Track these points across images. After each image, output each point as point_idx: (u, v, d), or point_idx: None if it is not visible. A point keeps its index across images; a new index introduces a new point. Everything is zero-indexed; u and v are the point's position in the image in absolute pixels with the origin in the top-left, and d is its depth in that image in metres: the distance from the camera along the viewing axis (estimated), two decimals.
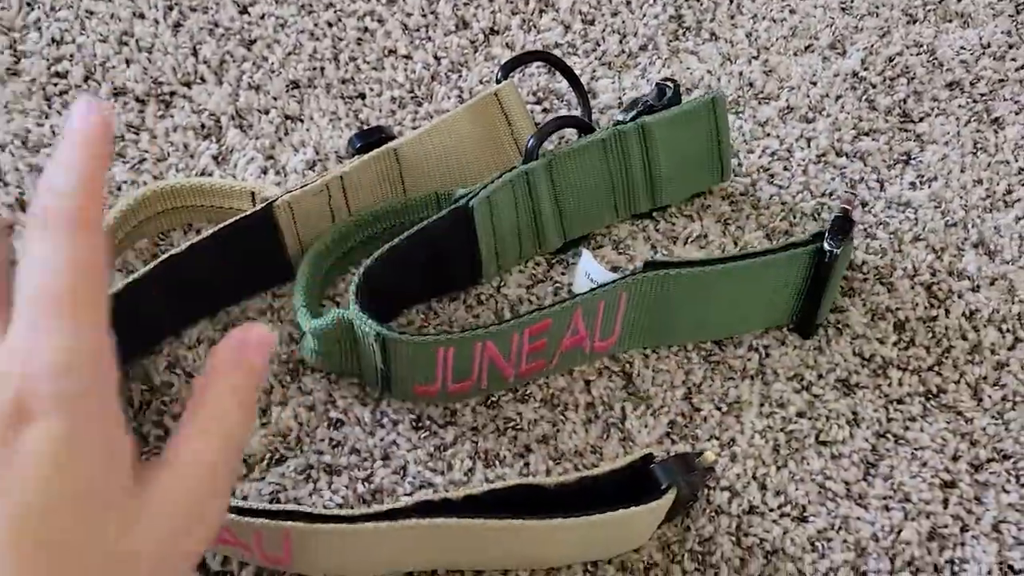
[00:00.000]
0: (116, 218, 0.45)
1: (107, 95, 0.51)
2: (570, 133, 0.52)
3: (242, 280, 0.46)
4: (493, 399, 0.46)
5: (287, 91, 0.53)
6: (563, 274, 0.49)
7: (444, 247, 0.46)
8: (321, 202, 0.46)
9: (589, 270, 0.46)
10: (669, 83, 0.50)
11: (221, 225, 0.44)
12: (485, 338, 0.42)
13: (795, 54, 0.58)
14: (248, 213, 0.44)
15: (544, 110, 0.54)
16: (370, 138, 0.48)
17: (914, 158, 0.55)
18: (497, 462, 0.44)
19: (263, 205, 0.44)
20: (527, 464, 0.45)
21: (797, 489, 0.45)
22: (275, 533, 0.37)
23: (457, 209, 0.45)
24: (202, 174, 0.50)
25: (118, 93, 0.52)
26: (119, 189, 0.49)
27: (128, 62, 0.53)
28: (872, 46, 0.58)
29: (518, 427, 0.45)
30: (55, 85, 0.51)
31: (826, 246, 0.45)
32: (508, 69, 0.51)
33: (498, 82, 0.50)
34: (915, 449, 0.46)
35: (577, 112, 0.53)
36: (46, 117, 0.50)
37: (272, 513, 0.37)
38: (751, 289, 0.46)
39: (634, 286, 0.44)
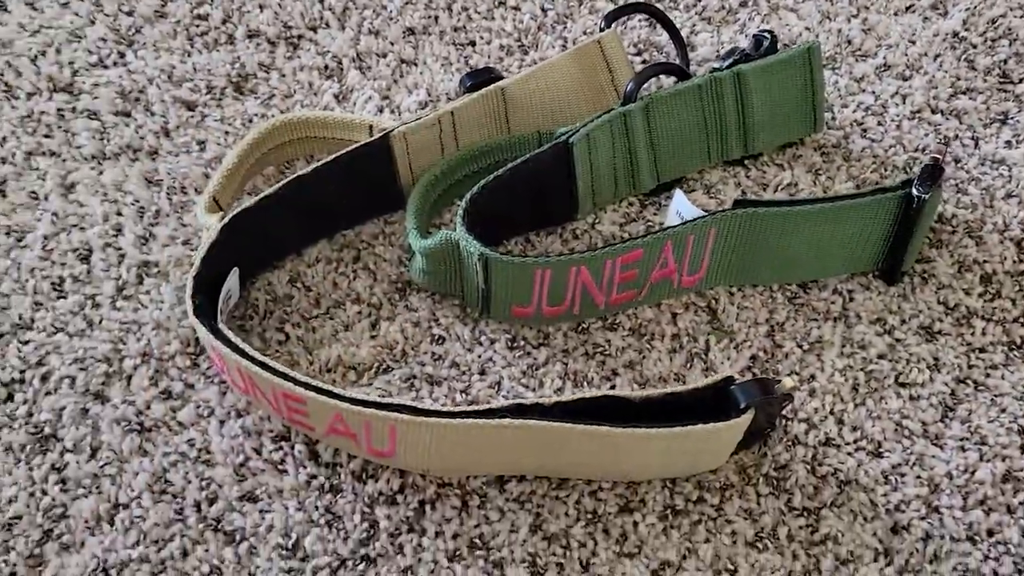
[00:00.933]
0: (249, 144, 0.50)
1: (242, 36, 0.56)
2: (668, 82, 0.54)
3: (359, 204, 0.50)
4: (584, 325, 0.49)
5: (403, 37, 0.57)
6: (655, 214, 0.52)
7: (544, 180, 0.49)
8: (433, 135, 0.49)
9: (681, 209, 0.48)
10: (766, 34, 0.52)
11: (343, 151, 0.48)
12: (580, 263, 0.45)
13: (895, 13, 0.59)
14: (368, 141, 0.48)
15: (643, 61, 0.57)
16: (479, 78, 0.51)
17: (1011, 118, 0.55)
18: (585, 383, 0.47)
19: (381, 134, 0.48)
20: (613, 387, 0.47)
21: (874, 426, 0.47)
22: (383, 424, 0.41)
23: (558, 144, 0.48)
24: (324, 110, 0.54)
25: (252, 35, 0.56)
26: (250, 121, 0.54)
27: (261, 7, 0.57)
28: (975, 7, 0.59)
29: (606, 352, 0.48)
30: (197, 27, 0.56)
31: (914, 192, 0.46)
32: (611, 19, 0.54)
33: (601, 31, 0.53)
34: (995, 396, 0.47)
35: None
36: (188, 55, 0.56)
37: (382, 405, 0.41)
38: (837, 232, 0.48)
39: (723, 222, 0.46)
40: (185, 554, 0.42)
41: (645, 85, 0.51)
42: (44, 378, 0.46)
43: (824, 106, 0.53)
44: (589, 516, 0.44)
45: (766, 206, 0.46)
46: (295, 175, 0.48)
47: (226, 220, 0.46)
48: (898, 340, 0.49)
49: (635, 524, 0.44)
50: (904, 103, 0.56)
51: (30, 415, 0.45)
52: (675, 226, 0.46)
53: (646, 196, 0.52)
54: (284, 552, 0.43)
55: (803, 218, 0.47)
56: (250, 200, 0.47)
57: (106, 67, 0.55)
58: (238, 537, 0.43)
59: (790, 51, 0.51)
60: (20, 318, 0.48)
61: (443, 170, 0.50)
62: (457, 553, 0.43)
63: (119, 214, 0.51)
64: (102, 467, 0.44)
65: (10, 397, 0.46)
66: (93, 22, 0.56)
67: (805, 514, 0.45)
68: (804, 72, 0.51)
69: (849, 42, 0.57)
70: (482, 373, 0.48)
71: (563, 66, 0.52)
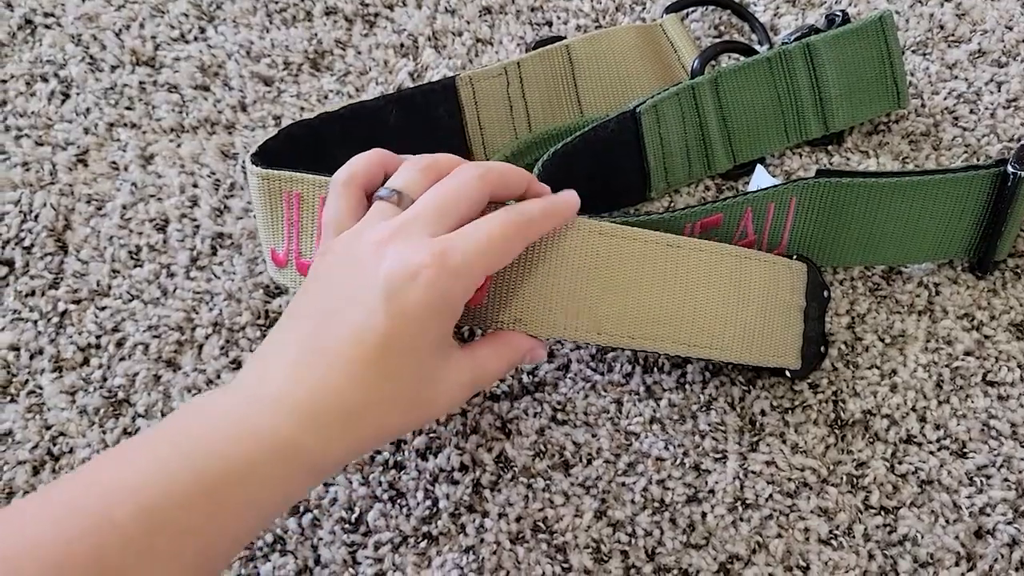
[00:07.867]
0: None
1: (319, 13, 0.56)
2: None
3: (424, 148, 0.49)
4: None
5: (480, 16, 0.56)
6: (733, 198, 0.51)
7: (615, 152, 0.47)
8: (500, 86, 0.49)
9: (762, 184, 0.47)
10: (839, 12, 0.50)
11: (410, 87, 0.48)
12: (657, 225, 0.43)
13: None
14: (434, 81, 0.48)
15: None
16: (544, 38, 0.51)
17: None
18: (655, 369, 0.46)
19: (448, 77, 0.48)
20: (684, 373, 0.46)
21: (959, 425, 0.45)
22: None
23: (624, 114, 0.47)
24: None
25: (329, 12, 0.57)
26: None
27: None
28: None
29: None
30: (276, 3, 0.57)
31: (1010, 169, 0.44)
32: (672, 10, 0.53)
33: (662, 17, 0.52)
34: None
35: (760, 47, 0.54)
36: (267, 31, 0.56)
37: None
38: (927, 209, 0.45)
39: (805, 191, 0.44)
40: None
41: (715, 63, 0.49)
42: (119, 344, 0.47)
43: (906, 78, 0.51)
44: (656, 505, 0.43)
45: (851, 176, 0.44)
46: (359, 101, 0.48)
47: (285, 127, 0.46)
48: (987, 337, 0.47)
49: (703, 515, 0.43)
50: (999, 91, 0.53)
51: (104, 379, 0.46)
52: (755, 192, 0.44)
53: (723, 179, 0.51)
54: (347, 526, 0.43)
55: (890, 191, 0.44)
56: (311, 115, 0.47)
57: (187, 42, 0.56)
58: (302, 508, 0.43)
59: (861, 20, 0.49)
60: (98, 284, 0.48)
61: (513, 152, 0.49)
62: (520, 535, 0.42)
63: (195, 186, 0.51)
64: None
65: (86, 361, 0.47)
66: None
67: (883, 513, 0.43)
68: (878, 42, 0.49)
69: (941, 27, 0.55)
70: (550, 355, 0.47)
71: (628, 34, 0.51)
